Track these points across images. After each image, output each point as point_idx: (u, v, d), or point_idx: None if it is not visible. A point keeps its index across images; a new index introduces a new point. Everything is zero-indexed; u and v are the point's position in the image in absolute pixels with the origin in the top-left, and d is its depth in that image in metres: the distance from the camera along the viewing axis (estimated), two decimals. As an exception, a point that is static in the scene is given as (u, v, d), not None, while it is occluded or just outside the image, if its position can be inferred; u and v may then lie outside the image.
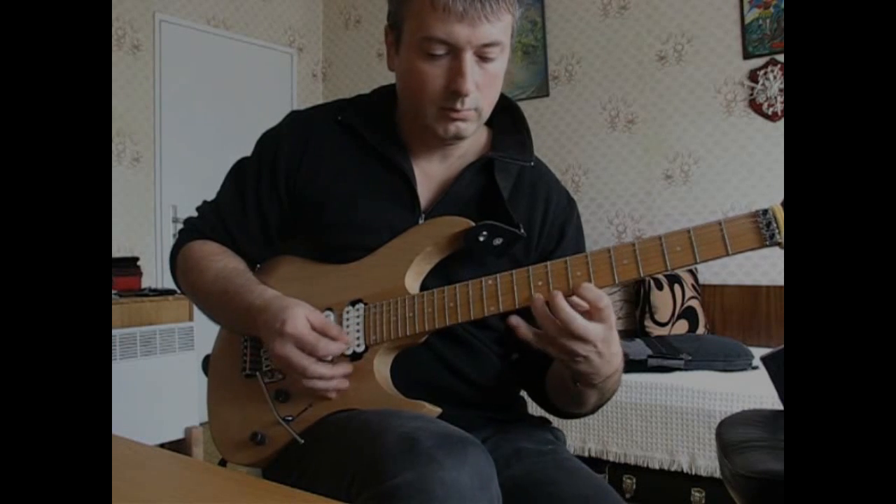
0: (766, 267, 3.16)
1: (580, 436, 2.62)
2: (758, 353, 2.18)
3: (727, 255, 0.80)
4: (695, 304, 3.14)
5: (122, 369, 2.61)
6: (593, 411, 0.99)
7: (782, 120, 3.13)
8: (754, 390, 2.31)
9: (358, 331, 0.95)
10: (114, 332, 2.60)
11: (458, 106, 0.92)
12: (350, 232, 0.99)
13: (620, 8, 3.56)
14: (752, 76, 3.18)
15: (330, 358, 0.91)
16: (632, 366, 2.57)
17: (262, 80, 4.25)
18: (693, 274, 3.21)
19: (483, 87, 0.93)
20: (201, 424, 2.86)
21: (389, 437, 0.77)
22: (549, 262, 0.86)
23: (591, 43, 3.65)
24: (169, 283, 3.22)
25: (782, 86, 3.11)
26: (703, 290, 3.22)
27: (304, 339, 0.88)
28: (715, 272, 3.26)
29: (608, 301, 0.82)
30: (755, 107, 3.18)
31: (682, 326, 3.09)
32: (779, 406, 1.70)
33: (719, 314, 3.25)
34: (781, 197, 0.74)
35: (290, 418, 0.95)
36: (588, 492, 0.87)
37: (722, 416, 1.78)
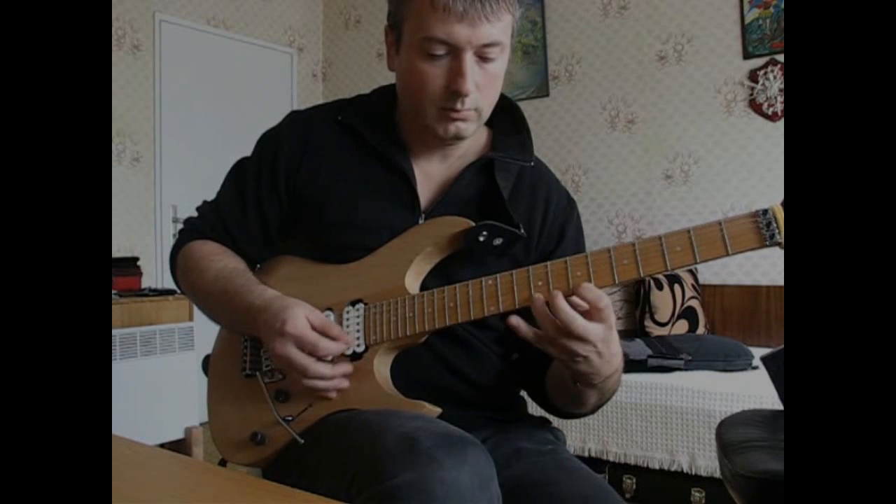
0: (766, 267, 3.16)
1: (580, 436, 2.62)
2: (758, 353, 2.18)
3: (727, 255, 0.80)
4: (695, 304, 3.14)
5: (122, 369, 2.61)
6: (593, 411, 0.99)
7: (782, 120, 3.13)
8: (754, 390, 2.31)
9: (358, 331, 0.95)
10: (114, 332, 2.60)
11: (458, 106, 0.92)
12: (350, 232, 0.99)
13: (620, 8, 3.56)
14: (752, 76, 3.18)
15: (330, 358, 0.91)
16: (632, 366, 2.57)
17: (262, 80, 4.25)
18: (693, 274, 3.21)
19: (483, 88, 0.93)
20: (201, 424, 2.86)
21: (389, 437, 0.77)
22: (549, 262, 0.86)
23: (591, 43, 3.66)
24: (169, 283, 3.22)
25: (782, 86, 3.11)
26: (703, 290, 3.22)
27: (305, 339, 0.88)
28: (715, 272, 3.26)
29: (608, 301, 0.82)
30: (755, 107, 3.18)
31: (682, 326, 3.09)
32: (779, 406, 1.70)
33: (719, 314, 3.25)
34: (781, 197, 0.74)
35: (290, 418, 0.95)
36: (588, 492, 0.87)
37: (722, 416, 1.78)
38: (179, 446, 2.78)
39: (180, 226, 1.12)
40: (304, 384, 0.91)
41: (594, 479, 0.91)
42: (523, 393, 1.09)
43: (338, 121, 1.04)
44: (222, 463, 1.02)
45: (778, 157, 3.12)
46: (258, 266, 1.10)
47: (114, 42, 3.56)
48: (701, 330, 3.12)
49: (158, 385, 2.73)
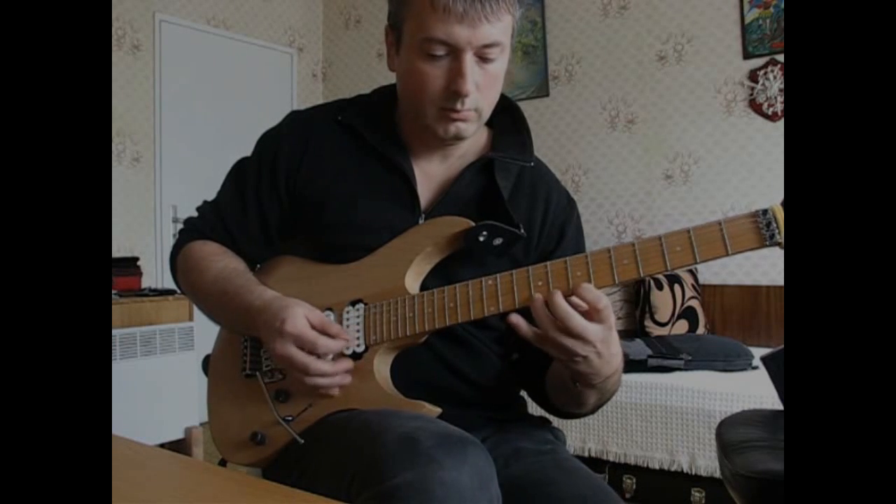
0: (766, 267, 3.16)
1: (580, 436, 2.62)
2: (758, 353, 2.18)
3: (727, 255, 0.80)
4: (695, 304, 3.14)
5: (122, 369, 2.61)
6: (593, 411, 0.99)
7: (782, 120, 3.13)
8: (754, 390, 2.31)
9: (358, 331, 0.95)
10: (114, 332, 2.60)
11: (458, 106, 0.92)
12: (350, 232, 0.99)
13: (620, 8, 3.56)
14: (752, 76, 3.18)
15: (331, 356, 0.91)
16: (632, 366, 2.57)
17: (262, 80, 4.25)
18: (693, 274, 3.21)
19: (483, 88, 0.93)
20: (201, 424, 2.86)
21: (389, 437, 0.77)
22: (548, 263, 0.86)
23: (591, 43, 3.65)
24: (169, 283, 3.22)
25: (782, 86, 3.11)
26: (703, 290, 3.22)
27: (304, 338, 0.88)
28: (715, 272, 3.26)
29: (607, 302, 0.82)
30: (755, 107, 3.18)
31: (682, 326, 3.09)
32: (779, 406, 1.70)
33: (719, 314, 3.25)
34: (781, 197, 0.74)
35: (290, 418, 0.95)
36: (586, 492, 0.87)
37: (722, 416, 1.78)
38: (179, 446, 2.78)
39: (180, 226, 1.12)
40: (306, 382, 0.91)
41: (593, 479, 0.91)
42: (523, 393, 1.09)
43: (338, 121, 1.04)
44: (222, 463, 1.02)
45: (778, 157, 3.12)
46: (258, 266, 1.10)
47: (114, 42, 3.56)
48: (701, 330, 3.12)
49: (158, 385, 2.73)
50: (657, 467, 2.47)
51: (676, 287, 3.11)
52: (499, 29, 0.90)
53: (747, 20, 3.19)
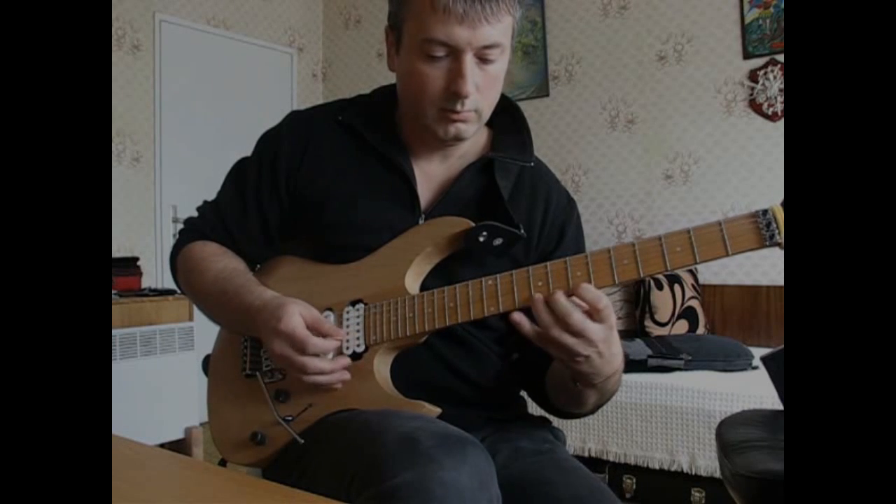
0: (766, 267, 3.16)
1: (580, 436, 2.62)
2: (758, 353, 2.18)
3: (727, 255, 0.80)
4: (695, 304, 3.14)
5: (122, 369, 2.61)
6: (593, 411, 0.99)
7: (782, 120, 3.13)
8: (754, 390, 2.31)
9: (358, 331, 0.95)
10: (114, 332, 2.60)
11: (458, 107, 0.92)
12: (350, 232, 0.99)
13: (620, 8, 3.56)
14: (752, 76, 3.18)
15: (331, 355, 0.91)
16: (632, 366, 2.57)
17: (262, 80, 4.25)
18: (693, 274, 3.21)
19: (483, 89, 0.93)
20: (201, 424, 2.86)
21: (389, 437, 0.77)
22: (548, 263, 0.86)
23: (591, 43, 3.66)
24: (169, 283, 3.22)
25: (782, 86, 3.11)
26: (703, 290, 3.22)
27: (296, 336, 0.88)
28: (715, 272, 3.26)
29: (607, 301, 0.82)
30: (755, 107, 3.18)
31: (682, 326, 3.09)
32: (779, 406, 1.70)
33: (719, 314, 3.25)
34: (781, 197, 0.74)
35: (290, 418, 0.95)
36: (584, 492, 0.87)
37: (722, 416, 1.78)
38: (179, 446, 2.78)
39: (180, 226, 1.12)
40: (305, 381, 0.91)
41: (591, 480, 0.91)
42: (523, 393, 1.09)
43: (338, 121, 1.04)
44: (222, 463, 1.02)
45: (778, 157, 3.12)
46: (258, 266, 1.10)
47: (114, 42, 3.56)
48: (701, 330, 3.12)
49: (158, 385, 2.73)
50: (657, 467, 2.47)
51: (676, 287, 3.11)
52: (499, 30, 0.90)
53: (747, 20, 3.19)
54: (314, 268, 1.02)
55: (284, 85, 4.43)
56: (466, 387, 0.99)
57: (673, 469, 2.44)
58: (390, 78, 1.02)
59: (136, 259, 3.10)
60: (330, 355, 0.91)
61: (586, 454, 2.60)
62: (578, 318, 0.81)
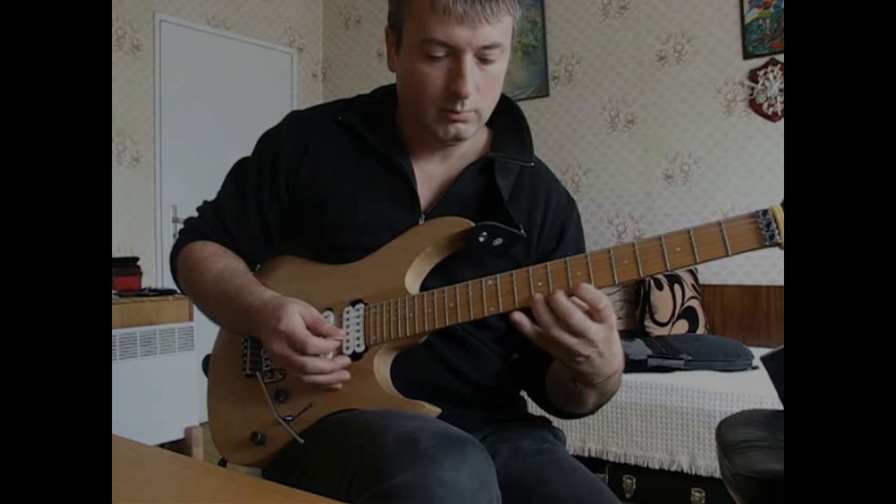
0: (766, 267, 3.16)
1: (580, 436, 2.62)
2: (758, 353, 2.18)
3: (727, 255, 0.80)
4: (695, 304, 3.14)
5: (122, 369, 2.61)
6: (593, 411, 0.99)
7: (782, 120, 3.13)
8: (754, 390, 2.31)
9: (358, 331, 0.95)
10: (114, 332, 2.60)
11: (458, 108, 0.92)
12: (350, 232, 0.99)
13: (620, 8, 3.56)
14: (752, 76, 3.18)
15: (331, 355, 0.91)
16: (632, 366, 2.57)
17: (262, 80, 4.25)
18: (693, 274, 3.21)
19: (483, 89, 0.93)
20: (201, 424, 2.86)
21: (389, 437, 0.77)
22: (548, 263, 0.86)
23: (591, 43, 3.65)
24: (169, 283, 3.22)
25: (782, 86, 3.11)
26: (703, 290, 3.22)
27: (295, 336, 0.88)
28: (715, 272, 3.26)
29: (607, 301, 0.82)
30: (755, 107, 3.18)
31: (682, 326, 3.09)
32: (779, 406, 1.70)
33: (719, 314, 3.25)
34: (781, 197, 0.74)
35: (290, 418, 0.95)
36: (583, 492, 0.87)
37: (722, 416, 1.78)
38: (179, 446, 2.78)
39: (180, 226, 1.12)
40: (305, 381, 0.91)
41: (590, 480, 0.91)
42: (523, 393, 1.09)
43: (338, 121, 1.04)
44: (222, 463, 1.02)
45: (778, 157, 3.12)
46: (258, 266, 1.10)
47: (114, 42, 3.56)
48: (701, 330, 3.12)
49: (158, 385, 2.73)
50: (657, 467, 2.47)
51: (676, 287, 3.11)
52: (499, 30, 0.90)
53: (747, 20, 3.19)
54: (314, 268, 1.02)
55: (284, 85, 4.43)
56: (466, 387, 0.99)
57: (673, 469, 2.44)
58: (390, 78, 1.02)
59: (136, 259, 3.10)
60: (330, 355, 0.91)
61: (586, 454, 2.60)
62: (579, 317, 0.81)
